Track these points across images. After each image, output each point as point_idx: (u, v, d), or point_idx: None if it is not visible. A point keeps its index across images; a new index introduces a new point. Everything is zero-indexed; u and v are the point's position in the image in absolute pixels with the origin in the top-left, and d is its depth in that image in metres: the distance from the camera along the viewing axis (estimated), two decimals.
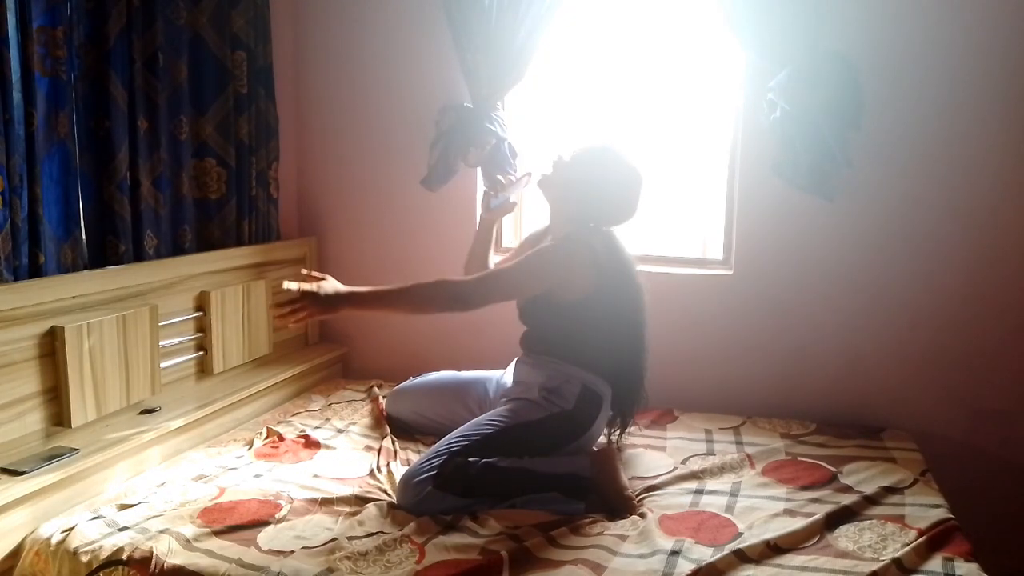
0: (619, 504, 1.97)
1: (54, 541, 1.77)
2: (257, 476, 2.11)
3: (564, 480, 2.01)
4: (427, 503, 1.90)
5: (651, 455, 2.30)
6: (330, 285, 1.97)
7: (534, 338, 2.28)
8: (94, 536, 1.76)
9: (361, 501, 1.98)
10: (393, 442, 2.34)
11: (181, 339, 2.44)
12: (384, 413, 2.54)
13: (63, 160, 2.14)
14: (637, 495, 2.03)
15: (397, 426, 2.46)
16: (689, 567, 1.66)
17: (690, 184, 3.58)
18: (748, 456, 2.25)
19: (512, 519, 1.88)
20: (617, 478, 2.02)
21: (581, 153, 2.20)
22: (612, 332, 2.16)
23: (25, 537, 1.81)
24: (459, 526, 1.86)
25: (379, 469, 2.19)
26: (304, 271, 2.07)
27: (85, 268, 2.20)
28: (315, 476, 2.13)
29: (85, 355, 2.05)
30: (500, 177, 2.38)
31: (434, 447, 2.05)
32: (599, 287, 2.12)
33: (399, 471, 2.10)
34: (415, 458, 2.19)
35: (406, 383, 2.55)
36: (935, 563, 1.66)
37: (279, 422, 2.52)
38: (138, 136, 2.33)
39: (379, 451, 2.29)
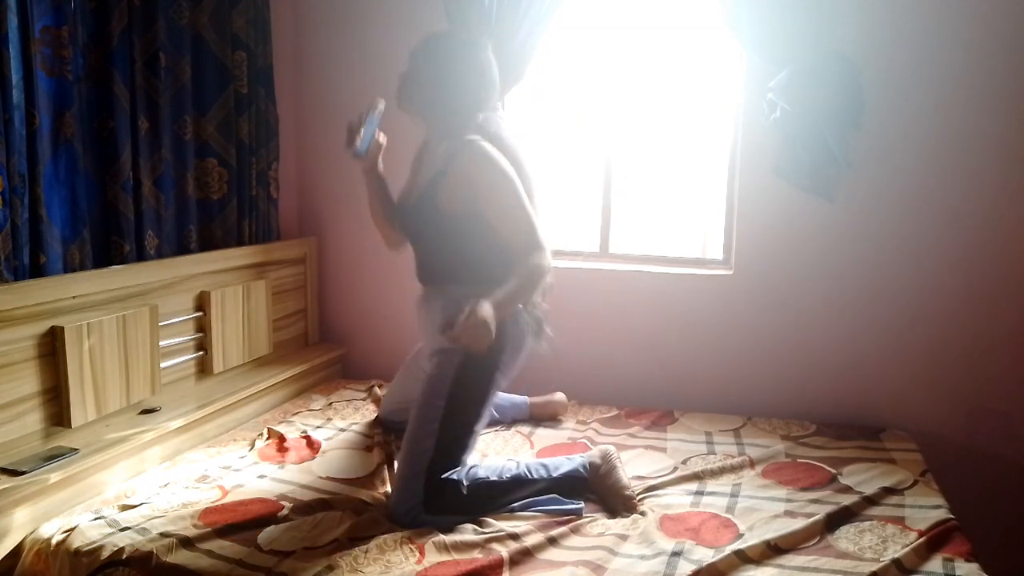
0: (619, 503, 1.97)
1: (55, 541, 1.77)
2: (259, 477, 2.11)
3: (563, 482, 2.01)
4: (427, 526, 1.85)
5: (651, 455, 2.31)
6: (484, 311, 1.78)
7: (430, 267, 2.17)
8: (95, 536, 1.76)
9: (361, 501, 1.97)
10: (389, 443, 2.34)
11: (181, 339, 2.43)
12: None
13: (70, 160, 2.14)
14: (637, 495, 2.03)
15: (394, 428, 2.45)
16: (690, 568, 1.66)
17: (690, 184, 3.59)
18: (749, 458, 2.25)
19: (512, 519, 1.88)
20: (618, 478, 2.03)
21: (419, 51, 2.07)
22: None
23: (25, 537, 1.81)
24: (459, 526, 1.86)
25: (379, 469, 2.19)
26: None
27: (91, 268, 2.20)
28: (316, 476, 2.13)
29: (85, 355, 2.05)
30: (352, 120, 2.12)
31: (401, 466, 1.98)
32: None
33: None
34: None
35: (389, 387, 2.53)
36: (935, 563, 1.67)
37: (279, 422, 2.52)
38: (139, 136, 2.33)
39: (377, 451, 2.30)
